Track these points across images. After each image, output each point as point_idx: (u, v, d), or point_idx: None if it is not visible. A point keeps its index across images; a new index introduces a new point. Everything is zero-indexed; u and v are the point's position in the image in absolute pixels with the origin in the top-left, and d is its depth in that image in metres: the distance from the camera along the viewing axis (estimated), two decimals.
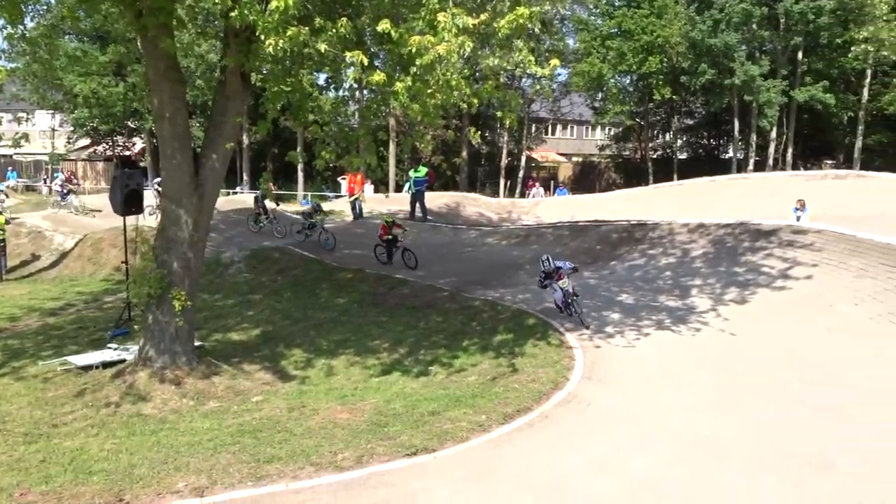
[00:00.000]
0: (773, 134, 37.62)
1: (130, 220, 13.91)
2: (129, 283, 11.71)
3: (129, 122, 40.69)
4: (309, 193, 37.21)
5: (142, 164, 40.86)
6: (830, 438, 7.88)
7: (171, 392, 9.94)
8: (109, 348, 11.96)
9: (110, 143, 42.79)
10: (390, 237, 17.64)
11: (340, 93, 11.01)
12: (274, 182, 37.18)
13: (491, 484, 7.31)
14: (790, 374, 9.77)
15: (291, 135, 36.70)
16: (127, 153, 44.02)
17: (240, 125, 11.14)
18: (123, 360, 11.05)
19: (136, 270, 10.85)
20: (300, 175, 38.43)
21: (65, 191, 28.76)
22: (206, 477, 7.16)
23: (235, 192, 34.04)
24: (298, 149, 30.21)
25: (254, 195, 22.61)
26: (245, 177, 39.12)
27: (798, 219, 18.12)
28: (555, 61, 9.59)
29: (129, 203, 13.45)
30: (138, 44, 10.71)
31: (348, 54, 8.51)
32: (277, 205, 22.45)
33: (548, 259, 12.68)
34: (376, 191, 33.83)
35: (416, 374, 10.83)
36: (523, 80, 39.40)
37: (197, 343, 11.43)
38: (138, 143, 44.13)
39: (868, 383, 9.19)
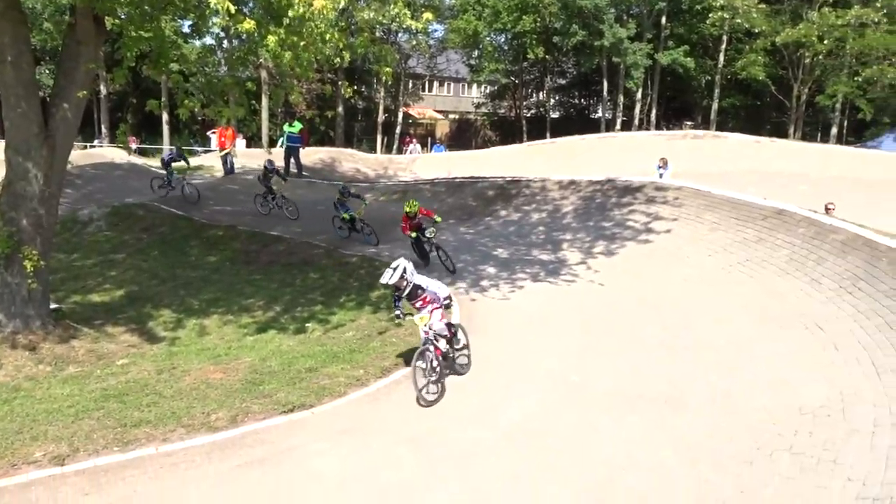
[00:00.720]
0: (639, 95, 39.30)
1: None
2: None
3: None
4: (174, 147, 35.44)
5: None
6: (685, 379, 8.48)
7: (25, 358, 9.28)
8: None
9: None
10: (416, 234, 13.39)
11: (206, 41, 10.44)
12: (136, 135, 35.14)
13: (369, 437, 7.38)
14: (652, 322, 10.37)
15: (154, 84, 34.52)
16: None
17: (94, 72, 10.32)
18: None
19: None
20: (165, 128, 36.40)
21: None
22: (67, 444, 6.80)
23: (93, 146, 31.82)
24: (163, 99, 28.53)
25: (261, 169, 18.07)
26: (104, 129, 36.58)
27: (661, 176, 19.09)
28: (428, 15, 9.55)
29: None
30: None
31: (213, 0, 8.05)
32: (285, 180, 18.57)
33: (401, 271, 8.38)
34: (248, 145, 32.64)
35: (293, 332, 10.67)
36: (399, 35, 38.94)
37: (53, 305, 10.69)
38: None
39: (718, 328, 9.91)
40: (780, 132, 35.25)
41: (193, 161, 28.20)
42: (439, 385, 8.34)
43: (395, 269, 8.34)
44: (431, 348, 8.34)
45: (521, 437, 7.49)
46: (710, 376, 8.49)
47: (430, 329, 8.43)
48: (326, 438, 7.38)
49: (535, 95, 48.50)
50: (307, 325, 10.96)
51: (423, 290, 8.54)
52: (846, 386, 7.61)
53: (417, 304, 8.57)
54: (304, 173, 23.14)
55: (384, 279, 8.38)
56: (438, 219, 13.45)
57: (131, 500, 6.36)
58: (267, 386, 8.33)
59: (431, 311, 8.49)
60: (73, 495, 6.31)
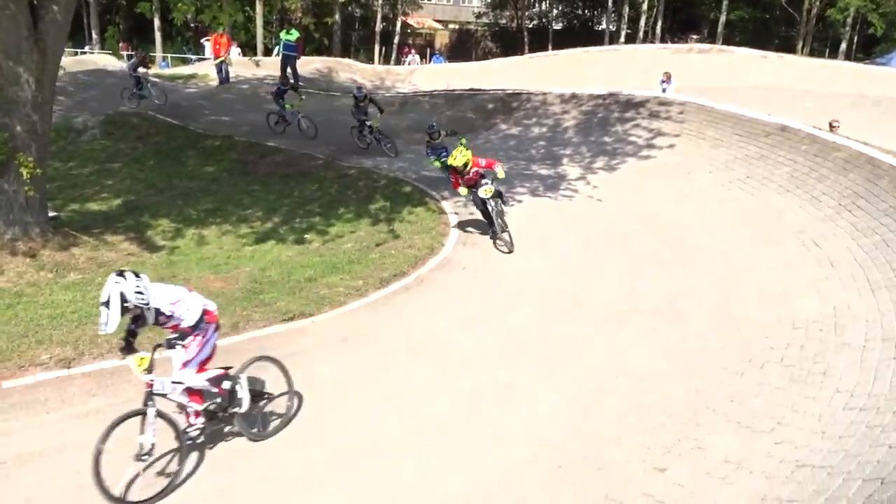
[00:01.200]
0: (645, 6, 38.18)
1: None
2: None
3: None
4: (169, 55, 34.59)
5: None
6: (681, 293, 8.59)
7: (26, 265, 9.31)
8: None
9: None
10: (467, 191, 10.53)
11: None
12: (127, 41, 34.21)
13: (368, 345, 7.52)
14: (650, 237, 10.42)
15: None
16: None
17: None
18: None
19: None
20: (157, 34, 35.39)
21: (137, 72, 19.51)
22: (73, 348, 6.92)
23: (84, 52, 31.03)
24: (153, 2, 27.64)
25: (353, 100, 15.91)
26: (94, 35, 35.57)
27: (664, 91, 18.74)
28: None
29: None
30: None
31: None
32: (382, 111, 15.96)
33: (117, 302, 5.02)
34: (244, 54, 31.86)
35: (292, 242, 10.69)
36: None
37: (52, 213, 10.67)
38: None
39: (716, 244, 9.96)
40: (789, 47, 34.42)
41: (187, 70, 27.63)
42: (179, 461, 5.51)
43: (107, 305, 5.03)
44: (152, 413, 5.34)
45: (517, 348, 7.62)
46: (706, 290, 8.59)
47: (168, 378, 5.59)
48: (327, 346, 7.51)
49: (537, 6, 47.10)
50: (306, 236, 10.98)
51: (169, 316, 5.44)
52: (840, 301, 7.71)
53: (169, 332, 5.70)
54: (300, 83, 22.67)
55: (101, 328, 5.09)
56: (501, 173, 10.20)
57: (136, 402, 6.49)
58: (267, 295, 8.41)
59: (185, 345, 5.70)
60: (81, 395, 6.47)
